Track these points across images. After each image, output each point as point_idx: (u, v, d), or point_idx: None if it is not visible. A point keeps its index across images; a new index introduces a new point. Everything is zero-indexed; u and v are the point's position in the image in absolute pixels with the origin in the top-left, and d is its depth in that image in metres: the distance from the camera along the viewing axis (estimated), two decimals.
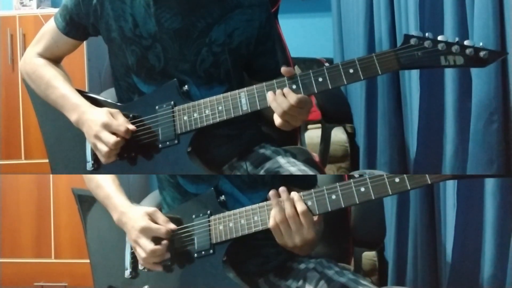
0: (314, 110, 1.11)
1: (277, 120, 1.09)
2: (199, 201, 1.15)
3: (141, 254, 1.12)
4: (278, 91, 1.08)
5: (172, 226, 1.12)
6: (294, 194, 1.03)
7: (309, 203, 1.03)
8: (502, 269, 1.20)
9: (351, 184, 1.01)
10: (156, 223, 1.12)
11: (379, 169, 2.02)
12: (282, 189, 1.04)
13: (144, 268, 1.16)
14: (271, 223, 1.03)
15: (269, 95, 1.09)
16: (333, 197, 1.03)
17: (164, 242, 1.11)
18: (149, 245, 1.10)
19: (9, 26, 2.71)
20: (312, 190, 1.04)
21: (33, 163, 2.73)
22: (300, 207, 1.02)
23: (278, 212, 1.02)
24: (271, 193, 1.04)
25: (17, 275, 2.52)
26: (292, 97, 1.06)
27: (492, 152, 1.18)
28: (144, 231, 1.11)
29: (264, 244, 1.18)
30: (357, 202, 1.01)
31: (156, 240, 1.11)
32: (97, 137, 1.14)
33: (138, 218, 1.12)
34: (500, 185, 1.19)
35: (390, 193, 0.99)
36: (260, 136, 1.35)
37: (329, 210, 1.02)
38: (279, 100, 1.07)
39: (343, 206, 1.02)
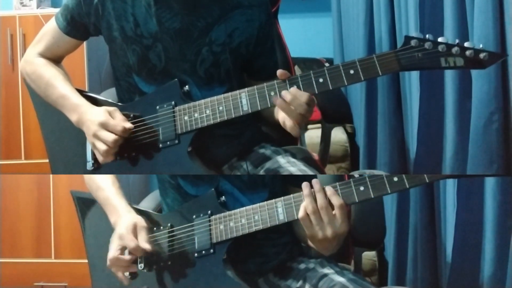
0: (314, 110, 1.10)
1: (290, 124, 1.08)
2: (200, 201, 1.15)
3: (108, 257, 1.13)
4: (287, 96, 1.05)
5: (146, 246, 1.10)
6: (328, 188, 1.02)
7: None
8: (502, 269, 1.20)
9: (351, 183, 1.02)
10: (135, 235, 1.12)
11: (379, 169, 2.03)
12: (315, 181, 1.03)
13: (143, 268, 1.16)
14: (300, 214, 1.01)
15: (279, 103, 1.06)
16: None
17: (131, 255, 1.12)
18: (115, 253, 1.11)
19: (9, 26, 2.71)
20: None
21: (33, 163, 2.73)
22: (337, 201, 1.00)
23: (310, 203, 1.01)
24: (304, 183, 1.03)
25: (17, 275, 2.52)
26: (304, 97, 1.05)
27: (492, 152, 1.18)
28: (120, 238, 1.12)
29: (264, 244, 1.19)
30: (357, 201, 1.02)
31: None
32: (96, 136, 1.15)
33: (122, 225, 1.13)
34: (500, 185, 1.19)
35: (389, 192, 1.00)
36: (260, 136, 1.36)
37: None
38: (295, 103, 1.05)
39: None
